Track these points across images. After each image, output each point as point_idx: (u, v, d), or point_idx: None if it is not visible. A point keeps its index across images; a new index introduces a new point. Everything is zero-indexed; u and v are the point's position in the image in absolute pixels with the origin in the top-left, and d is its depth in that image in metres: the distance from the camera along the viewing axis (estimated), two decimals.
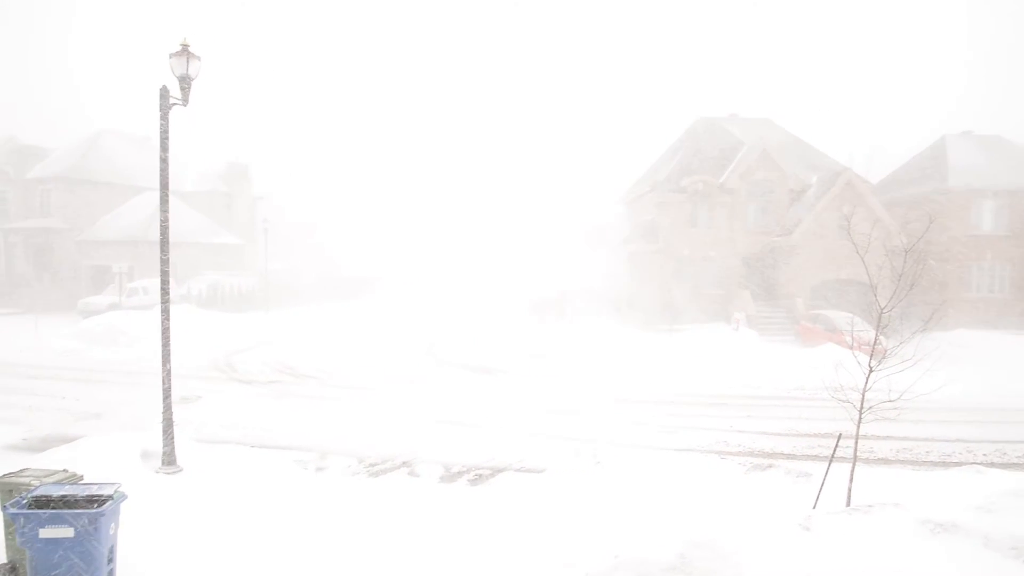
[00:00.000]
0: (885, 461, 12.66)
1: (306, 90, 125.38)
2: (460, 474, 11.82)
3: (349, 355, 26.05)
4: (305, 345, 28.75)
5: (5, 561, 6.93)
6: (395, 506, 9.69)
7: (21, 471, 7.51)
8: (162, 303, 10.83)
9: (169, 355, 10.83)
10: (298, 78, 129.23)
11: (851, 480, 9.21)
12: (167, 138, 10.58)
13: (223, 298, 41.24)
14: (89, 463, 9.44)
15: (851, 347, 11.72)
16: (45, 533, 6.15)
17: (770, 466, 12.22)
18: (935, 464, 12.56)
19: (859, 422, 9.33)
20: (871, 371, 9.30)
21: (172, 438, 10.65)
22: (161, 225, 10.70)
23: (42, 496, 6.40)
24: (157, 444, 10.94)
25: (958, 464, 12.18)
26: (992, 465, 12.07)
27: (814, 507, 9.00)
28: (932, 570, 6.96)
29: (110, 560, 6.55)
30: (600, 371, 22.77)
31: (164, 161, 10.60)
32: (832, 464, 9.52)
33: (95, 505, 6.41)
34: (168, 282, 10.81)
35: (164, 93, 10.53)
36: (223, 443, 13.06)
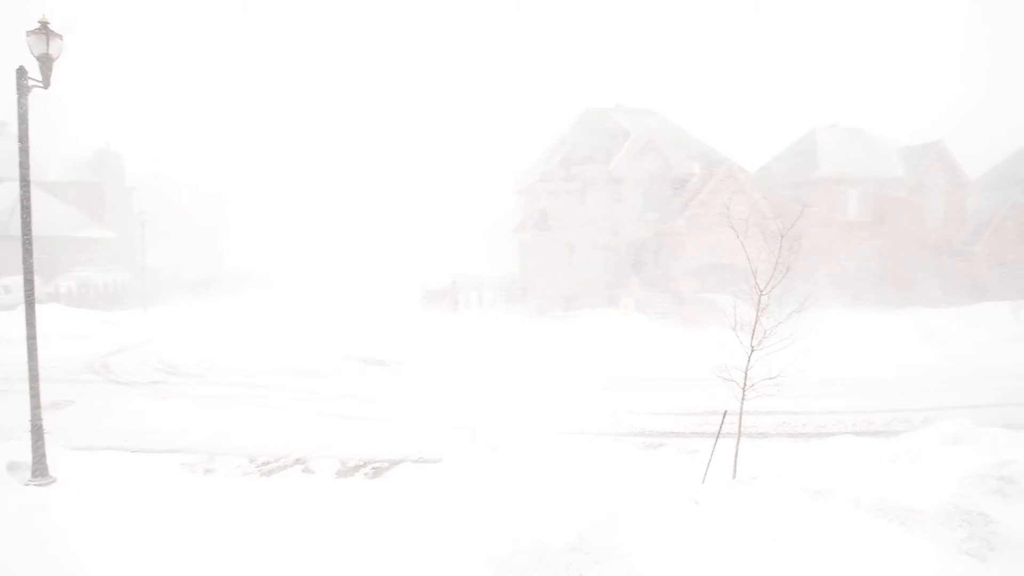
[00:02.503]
0: (767, 435, 13.35)
1: (194, 80, 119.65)
2: (357, 468, 11.64)
3: (237, 351, 25.15)
4: (189, 343, 27.53)
5: None
6: (290, 505, 9.43)
7: None
8: (26, 302, 10.08)
9: (36, 357, 10.12)
10: (188, 68, 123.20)
11: (736, 454, 9.67)
12: (26, 123, 9.83)
13: (96, 295, 38.91)
14: None
15: (733, 328, 12.25)
16: None
17: (661, 445, 12.66)
18: (812, 435, 13.34)
19: (742, 399, 9.81)
20: (752, 351, 9.79)
21: (43, 446, 9.96)
22: (22, 218, 9.95)
23: None
24: (26, 454, 10.21)
25: (832, 434, 12.98)
26: (861, 434, 12.92)
27: (703, 482, 9.38)
28: (810, 531, 7.40)
29: None
30: (494, 359, 22.92)
31: (24, 149, 9.85)
32: (719, 440, 9.96)
33: None
34: (32, 279, 10.08)
35: (21, 73, 9.78)
36: (101, 449, 12.34)
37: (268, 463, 11.86)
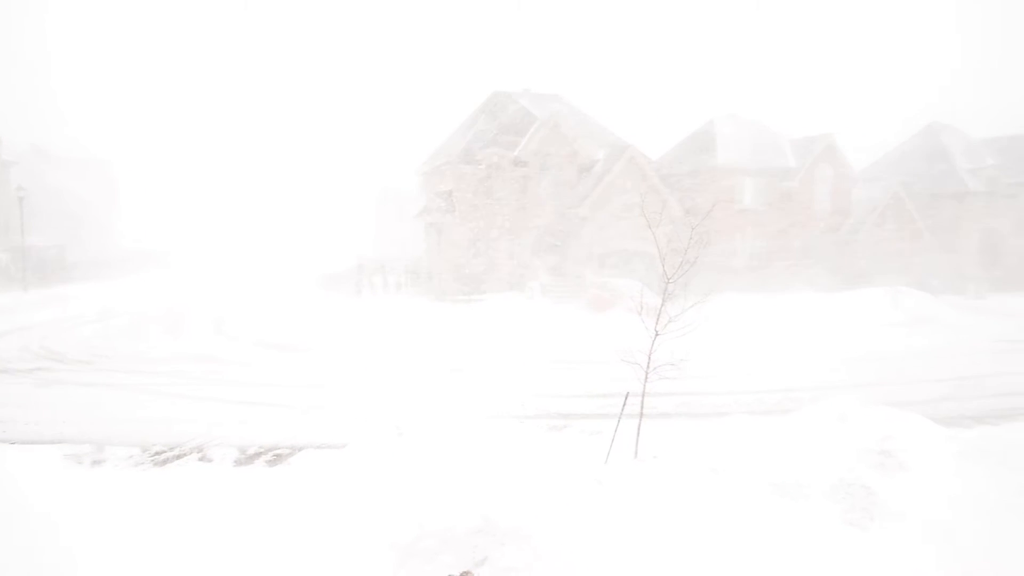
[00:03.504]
0: (668, 415, 13.75)
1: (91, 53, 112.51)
2: (257, 455, 11.32)
3: (129, 335, 23.98)
4: (75, 327, 26.06)
5: None
6: (185, 496, 9.08)
7: None
8: None
9: None
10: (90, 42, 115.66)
11: (638, 434, 9.92)
12: None
13: None
14: None
15: (639, 313, 12.54)
16: None
17: (566, 426, 12.87)
18: (709, 415, 13.82)
19: (645, 381, 10.07)
20: (657, 335, 10.06)
21: None
22: None
23: None
24: None
25: (728, 414, 13.50)
26: (755, 413, 13.50)
27: (606, 461, 9.58)
28: (708, 507, 7.69)
29: None
30: (399, 343, 22.72)
31: None
32: (621, 421, 10.20)
33: None
34: None
35: None
36: None
37: (162, 452, 11.39)
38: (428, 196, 41.47)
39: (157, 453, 11.33)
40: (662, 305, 10.17)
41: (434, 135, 45.78)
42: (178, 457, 11.17)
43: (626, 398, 10.37)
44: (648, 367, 9.94)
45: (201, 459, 11.12)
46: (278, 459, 11.15)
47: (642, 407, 10.09)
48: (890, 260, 40.63)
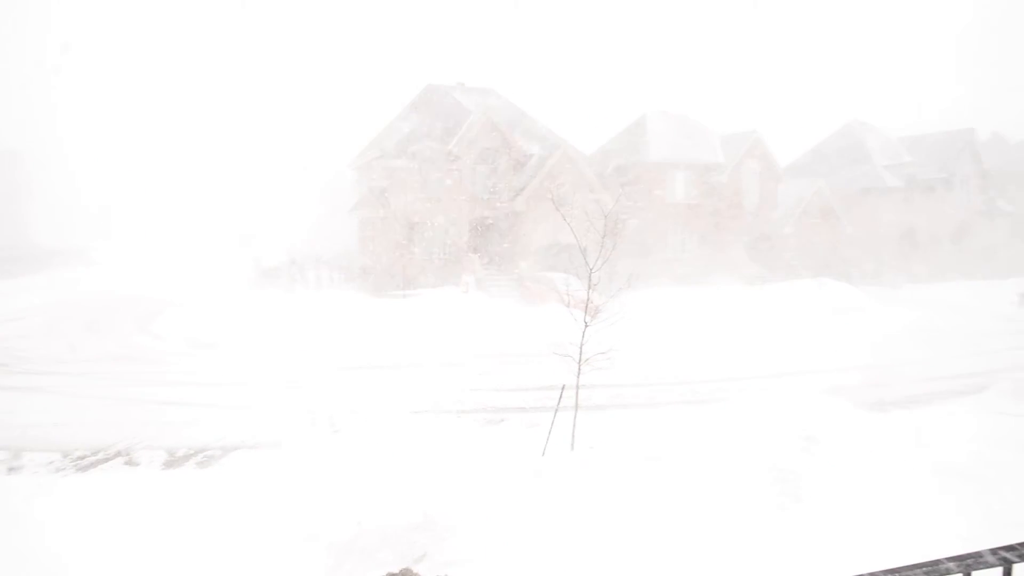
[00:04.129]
0: (602, 407, 13.93)
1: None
2: (187, 458, 11.03)
3: (47, 335, 23.02)
4: None
5: None
6: (111, 501, 8.78)
7: None
8: None
9: None
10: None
11: (574, 426, 10.05)
12: None
13: None
14: None
15: (567, 305, 12.67)
16: None
17: (503, 420, 12.92)
18: (644, 405, 14.08)
19: (579, 373, 10.20)
20: (587, 326, 10.21)
21: None
22: None
23: None
24: None
25: (662, 404, 13.80)
26: (688, 403, 13.83)
27: (543, 454, 9.68)
28: (644, 495, 7.84)
29: None
30: (334, 339, 22.41)
31: None
32: (557, 413, 10.31)
33: None
34: None
35: None
36: None
37: (85, 456, 10.98)
38: (362, 190, 40.95)
39: (80, 458, 10.92)
40: (588, 295, 10.32)
41: (368, 128, 45.13)
42: (103, 461, 10.79)
43: (562, 391, 10.48)
44: (581, 359, 10.07)
45: (127, 463, 10.77)
46: (209, 461, 10.88)
47: (577, 399, 10.22)
48: (815, 252, 41.98)
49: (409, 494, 8.22)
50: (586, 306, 10.31)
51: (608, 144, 44.55)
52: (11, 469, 10.37)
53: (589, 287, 10.31)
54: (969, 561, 2.74)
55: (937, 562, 2.85)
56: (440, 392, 15.39)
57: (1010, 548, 2.71)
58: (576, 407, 10.16)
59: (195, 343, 22.13)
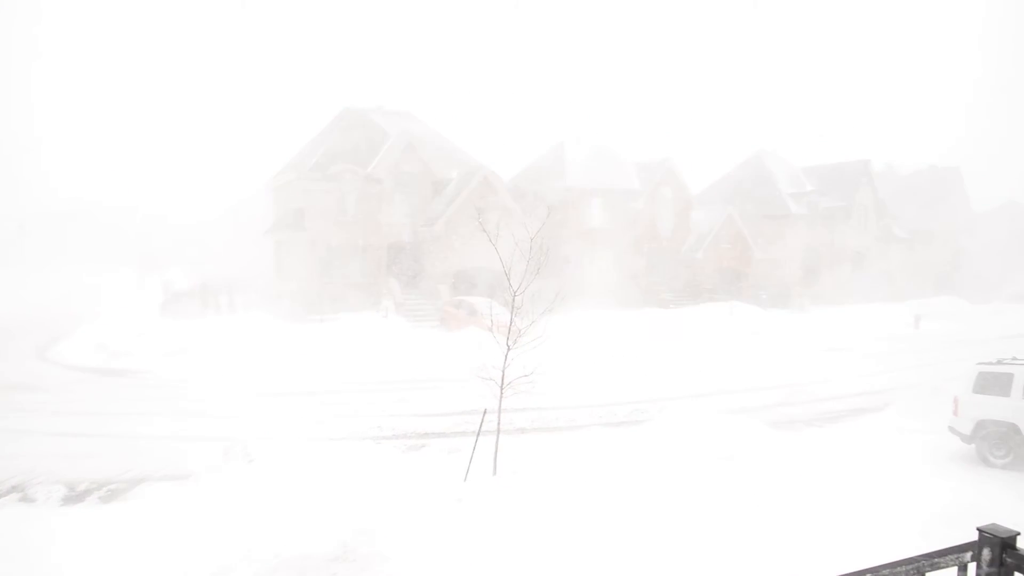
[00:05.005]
0: (524, 430, 13.94)
1: None
2: (88, 492, 10.43)
3: None
4: None
5: None
6: (3, 541, 8.20)
7: None
8: None
9: None
10: None
11: (496, 451, 10.00)
12: None
13: None
14: None
15: (490, 329, 12.66)
16: None
17: (424, 446, 12.75)
18: (565, 428, 14.15)
19: (500, 397, 10.18)
20: (509, 349, 10.21)
21: None
22: None
23: None
24: None
25: (582, 427, 13.89)
26: (608, 424, 13.97)
27: (465, 479, 9.59)
28: (567, 517, 7.84)
29: None
30: (248, 366, 21.72)
31: None
32: (479, 438, 10.24)
33: None
34: None
35: None
36: None
37: None
38: (278, 212, 40.07)
39: None
40: (511, 319, 10.35)
41: (284, 149, 44.36)
42: None
43: (483, 415, 10.43)
44: (503, 383, 10.06)
45: (23, 499, 10.10)
46: (113, 495, 10.32)
47: (499, 423, 10.18)
48: (725, 277, 43.41)
49: (328, 524, 7.99)
50: (508, 330, 10.33)
51: (526, 170, 45.08)
52: None
53: (512, 311, 10.34)
54: (884, 571, 2.83)
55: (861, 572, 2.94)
56: (359, 418, 15.10)
57: (927, 556, 2.82)
58: (498, 431, 10.13)
59: (97, 370, 21.08)
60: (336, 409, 16.05)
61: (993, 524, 2.71)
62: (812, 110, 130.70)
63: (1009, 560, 2.58)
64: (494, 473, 9.74)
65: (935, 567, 2.78)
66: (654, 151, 50.58)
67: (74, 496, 10.26)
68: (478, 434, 10.24)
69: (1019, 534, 2.64)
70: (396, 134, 37.61)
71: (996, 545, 2.61)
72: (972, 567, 2.69)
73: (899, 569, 2.83)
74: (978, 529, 2.70)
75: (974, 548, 2.69)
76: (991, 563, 2.61)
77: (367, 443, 12.75)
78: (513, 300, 10.29)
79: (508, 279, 10.39)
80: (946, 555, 2.75)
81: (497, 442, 10.02)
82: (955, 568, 2.75)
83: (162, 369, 21.36)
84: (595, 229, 40.51)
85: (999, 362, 12.59)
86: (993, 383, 12.24)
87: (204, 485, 10.27)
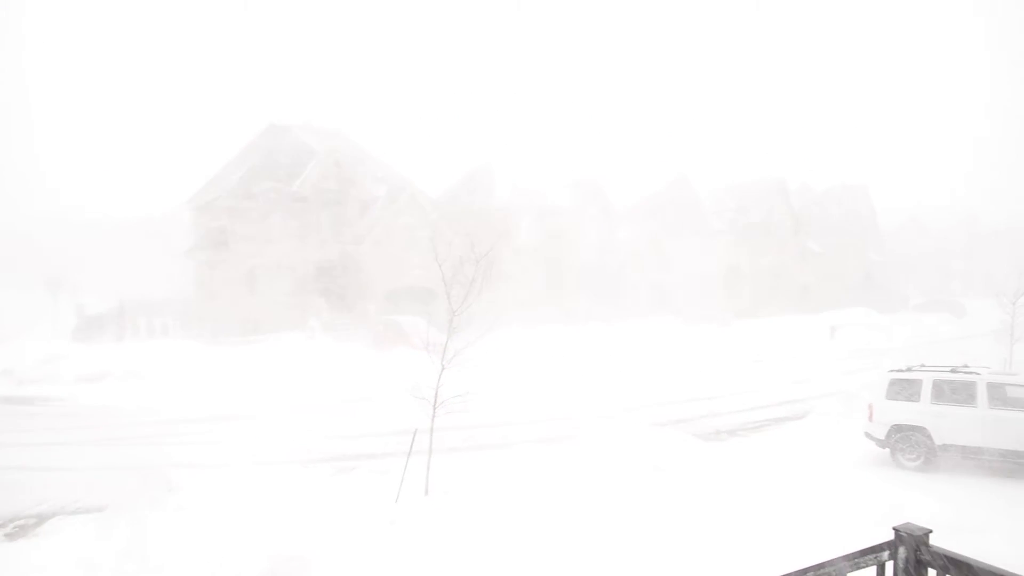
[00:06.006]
0: (456, 449, 13.84)
1: None
2: None
3: None
4: None
5: None
6: None
7: None
8: None
9: None
10: None
11: (428, 471, 9.93)
12: None
13: None
14: None
15: (426, 348, 12.57)
16: None
17: (354, 468, 12.54)
18: (497, 446, 14.11)
19: (433, 416, 10.12)
20: (443, 369, 10.18)
21: None
22: None
23: None
24: None
25: (514, 444, 13.89)
26: (540, 441, 14.02)
27: (397, 501, 9.47)
28: (500, 536, 7.84)
29: None
30: (168, 391, 21.00)
31: None
32: (411, 458, 10.14)
33: None
34: None
35: None
36: None
37: None
38: (200, 231, 39.00)
39: None
40: (448, 339, 10.33)
41: (205, 167, 43.22)
42: None
43: (415, 435, 10.34)
44: (435, 402, 10.02)
45: None
46: (21, 531, 9.79)
47: (431, 443, 10.11)
48: (652, 293, 44.36)
49: (256, 551, 7.77)
50: (443, 349, 10.31)
51: (455, 187, 45.16)
52: None
53: (450, 328, 10.32)
54: (809, 573, 2.94)
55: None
56: (286, 441, 14.75)
57: (848, 557, 2.95)
58: (430, 451, 10.06)
59: (6, 398, 20.03)
60: (262, 432, 15.66)
61: (908, 524, 2.86)
62: (734, 130, 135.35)
63: (924, 557, 2.73)
64: (426, 493, 9.66)
65: (856, 567, 2.91)
66: (582, 169, 51.33)
67: None
68: (409, 454, 10.14)
69: (931, 532, 2.79)
70: (323, 151, 37.14)
71: (911, 544, 2.76)
72: (889, 566, 2.83)
73: (823, 571, 2.95)
74: (894, 529, 2.84)
75: (891, 547, 2.83)
76: (907, 561, 2.75)
77: (295, 467, 12.47)
78: (452, 319, 10.29)
79: (448, 297, 10.38)
80: (866, 555, 2.88)
81: (429, 462, 9.95)
82: (874, 567, 2.89)
83: (77, 396, 20.44)
84: (524, 246, 40.82)
85: (909, 369, 13.24)
86: (904, 389, 12.85)
87: (120, 517, 9.84)
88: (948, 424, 12.17)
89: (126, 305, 35.80)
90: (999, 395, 12.07)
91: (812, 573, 2.98)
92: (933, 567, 2.69)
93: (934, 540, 2.82)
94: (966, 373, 12.49)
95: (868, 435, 13.19)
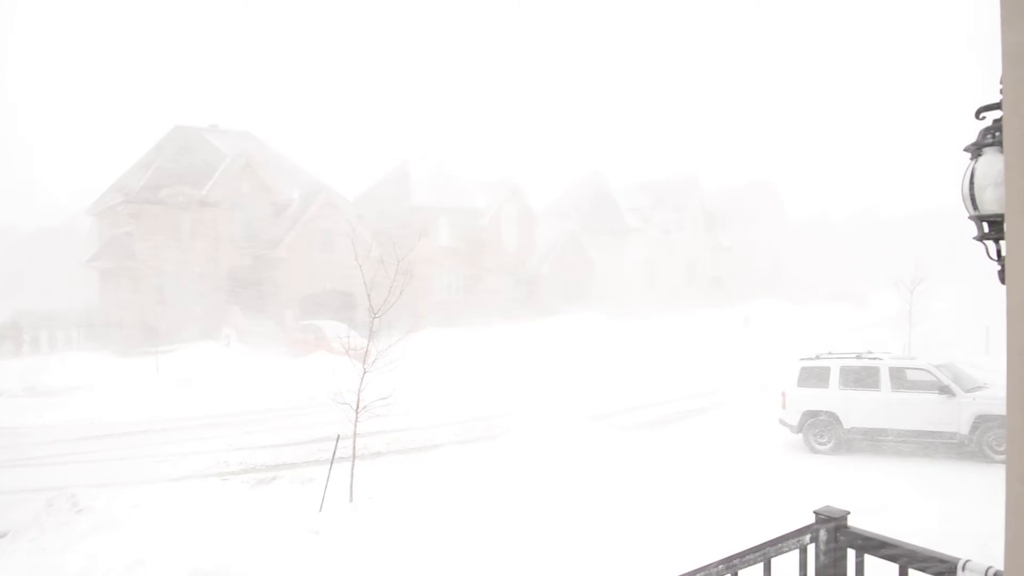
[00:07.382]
0: (380, 454, 13.67)
1: None
2: None
3: None
4: None
5: None
6: None
7: None
8: None
9: None
10: None
11: (352, 477, 9.74)
12: None
13: None
14: None
15: (347, 353, 12.32)
16: None
17: (275, 478, 12.19)
18: (421, 449, 14.00)
19: (356, 422, 9.93)
20: (365, 372, 10.00)
21: None
22: None
23: None
24: None
25: (439, 446, 13.81)
26: (464, 442, 13.98)
27: (320, 510, 9.26)
28: (427, 542, 7.75)
29: None
30: (73, 406, 19.97)
31: None
32: (334, 465, 9.92)
33: None
34: None
35: None
36: None
37: None
38: (103, 238, 37.25)
39: None
40: (369, 342, 10.16)
41: (108, 169, 41.32)
42: None
43: (337, 441, 10.13)
44: (358, 407, 9.83)
45: None
46: None
47: (354, 449, 9.93)
48: (570, 290, 44.77)
49: (175, 568, 7.46)
50: (365, 353, 10.14)
51: (371, 190, 44.59)
52: None
53: (371, 331, 10.15)
54: (735, 561, 2.99)
55: (708, 566, 3.08)
56: (201, 455, 14.23)
57: (772, 543, 3.01)
58: (353, 457, 9.87)
59: None
60: (175, 447, 15.06)
61: (827, 506, 2.94)
62: (645, 126, 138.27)
63: (842, 538, 2.81)
64: (351, 500, 9.48)
65: (779, 552, 2.97)
66: (498, 168, 51.57)
67: None
68: (332, 462, 9.93)
69: (849, 513, 2.88)
70: (233, 154, 36.01)
71: (831, 526, 2.84)
72: (812, 548, 2.90)
73: (748, 557, 3.00)
74: (815, 512, 2.92)
75: (812, 531, 2.90)
76: (828, 542, 2.83)
77: (212, 481, 12.05)
78: (372, 322, 10.11)
79: (369, 299, 10.20)
80: (788, 539, 2.95)
81: (353, 468, 9.76)
82: (797, 551, 2.96)
83: None
84: (442, 247, 40.62)
85: (818, 357, 13.80)
86: (814, 376, 13.40)
87: (24, 542, 9.29)
88: (855, 408, 12.76)
89: (21, 317, 33.81)
90: (900, 378, 12.73)
91: (737, 560, 3.03)
92: (853, 548, 2.78)
93: (850, 521, 2.92)
94: (870, 359, 13.12)
95: (782, 422, 13.68)
